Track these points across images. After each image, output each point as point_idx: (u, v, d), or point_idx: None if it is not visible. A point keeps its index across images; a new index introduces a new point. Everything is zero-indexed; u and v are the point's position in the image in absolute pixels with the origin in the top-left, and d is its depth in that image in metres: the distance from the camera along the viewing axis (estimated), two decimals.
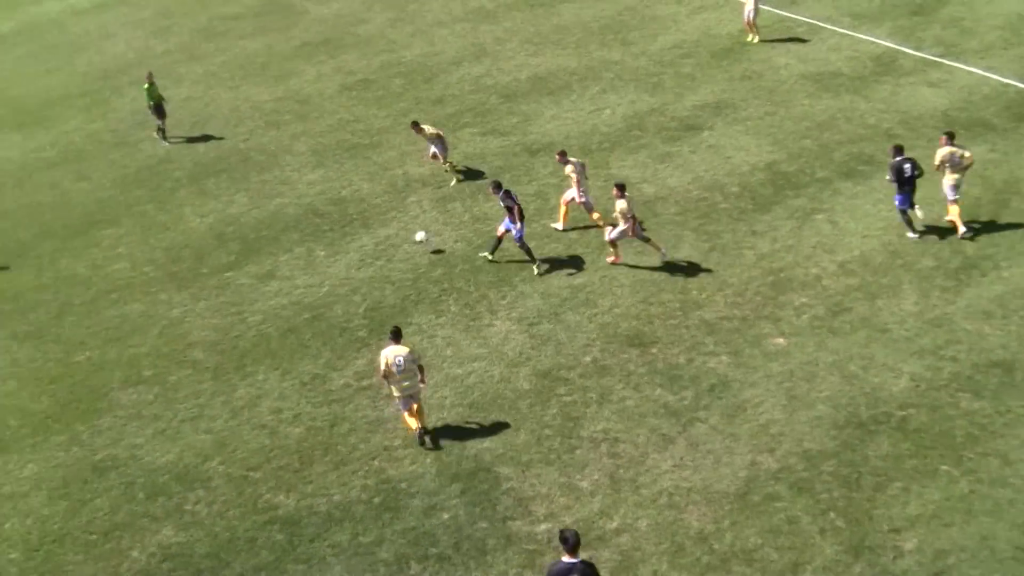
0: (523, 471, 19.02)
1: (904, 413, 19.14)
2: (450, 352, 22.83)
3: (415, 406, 20.32)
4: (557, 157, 26.93)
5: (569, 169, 26.55)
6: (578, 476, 18.71)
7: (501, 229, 25.73)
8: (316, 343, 23.82)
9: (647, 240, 25.11)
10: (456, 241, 27.08)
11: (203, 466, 20.43)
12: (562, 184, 27.79)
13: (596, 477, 18.63)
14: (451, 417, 20.78)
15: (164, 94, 36.60)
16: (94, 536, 19.09)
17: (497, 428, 20.27)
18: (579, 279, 24.82)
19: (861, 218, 25.86)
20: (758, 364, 21.01)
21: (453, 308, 24.40)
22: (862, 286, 23.16)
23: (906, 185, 24.29)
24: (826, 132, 30.56)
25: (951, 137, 24.47)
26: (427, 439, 20.22)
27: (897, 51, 35.31)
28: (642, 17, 42.28)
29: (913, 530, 16.66)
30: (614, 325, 22.93)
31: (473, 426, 20.43)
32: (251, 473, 20.03)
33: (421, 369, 20.22)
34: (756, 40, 37.62)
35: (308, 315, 24.89)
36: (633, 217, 24.69)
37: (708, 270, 24.59)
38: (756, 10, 37.51)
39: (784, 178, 28.30)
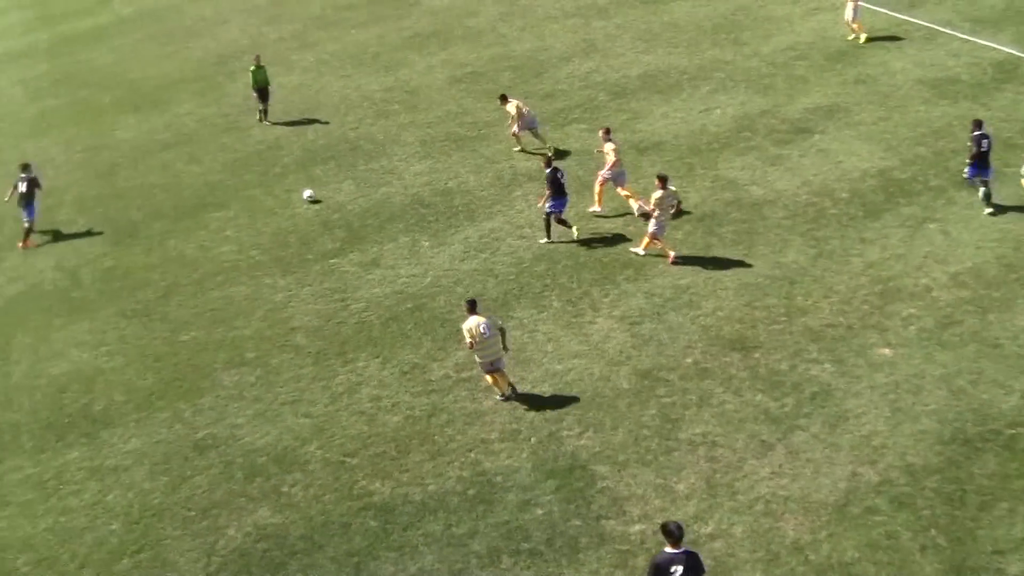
0: (619, 471, 18.87)
1: (1013, 431, 18.62)
2: (551, 348, 22.75)
3: (497, 375, 21.23)
4: (601, 132, 27.66)
5: (610, 148, 27.16)
6: (674, 478, 18.52)
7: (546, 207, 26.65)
8: (417, 333, 23.89)
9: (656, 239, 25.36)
10: (559, 237, 26.94)
11: (301, 449, 20.62)
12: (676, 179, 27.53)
13: (692, 480, 18.42)
14: (549, 413, 20.70)
15: (275, 80, 37.02)
16: (192, 512, 19.39)
17: (595, 426, 20.14)
18: (684, 279, 24.56)
19: (975, 229, 25.23)
20: (862, 374, 20.60)
21: (555, 304, 24.31)
22: (974, 299, 22.58)
23: (981, 160, 25.90)
24: (942, 140, 29.85)
25: None
26: (514, 395, 21.27)
27: (1020, 58, 34.38)
28: (756, 17, 41.73)
29: (1018, 552, 16.20)
30: (717, 328, 22.66)
31: (571, 423, 20.33)
32: (348, 459, 20.16)
33: (503, 333, 21.03)
34: (863, 39, 36.98)
35: (410, 305, 24.98)
36: (675, 206, 25.25)
37: (814, 276, 24.16)
38: (857, 7, 36.91)
39: (896, 185, 27.73)
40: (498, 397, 21.38)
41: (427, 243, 27.63)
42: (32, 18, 57.76)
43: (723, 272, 24.75)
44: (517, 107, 31.55)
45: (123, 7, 57.18)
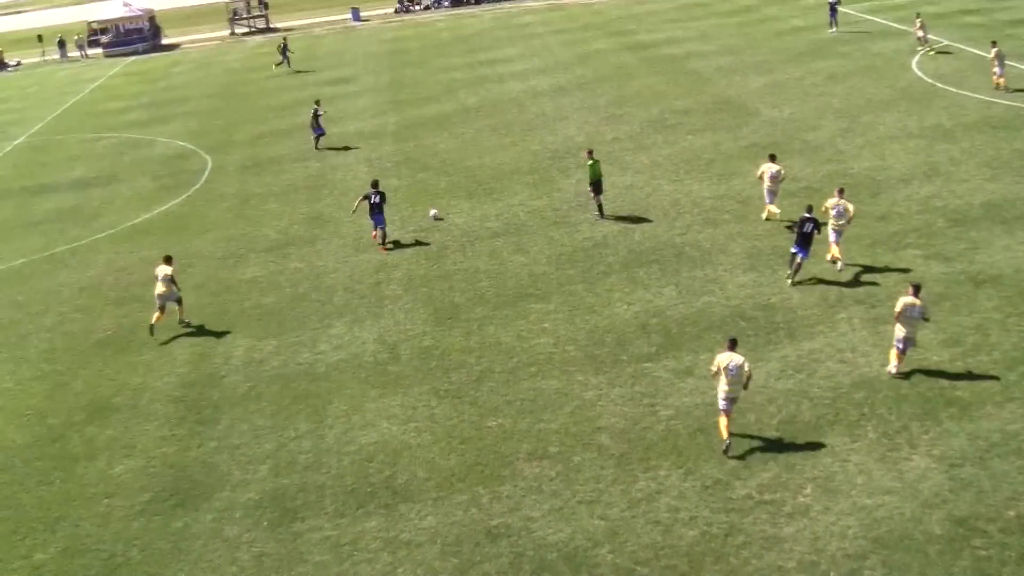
0: None
1: None
2: (861, 480, 21.53)
3: (731, 412, 23.22)
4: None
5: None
6: None
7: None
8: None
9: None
10: (883, 365, 25.66)
11: (592, 551, 20.19)
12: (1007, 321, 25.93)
13: None
14: (852, 549, 19.51)
15: (608, 180, 37.35)
16: None
17: (900, 569, 18.83)
18: (1014, 424, 22.84)
19: None
20: None
21: (871, 435, 23.07)
22: None
23: None
24: None
25: None
26: (730, 440, 22.90)
27: None
28: None
29: None
30: None
31: (875, 562, 19.06)
32: (639, 567, 19.59)
33: (749, 378, 23.04)
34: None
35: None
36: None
37: None
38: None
39: None
40: (725, 438, 22.84)
41: None
42: (384, 102, 60.81)
43: None
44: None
45: (468, 97, 59.47)
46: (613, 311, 30.31)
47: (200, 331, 31.93)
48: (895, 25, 67.14)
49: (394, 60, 75.58)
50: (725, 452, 22.84)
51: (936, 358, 25.92)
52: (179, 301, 32.11)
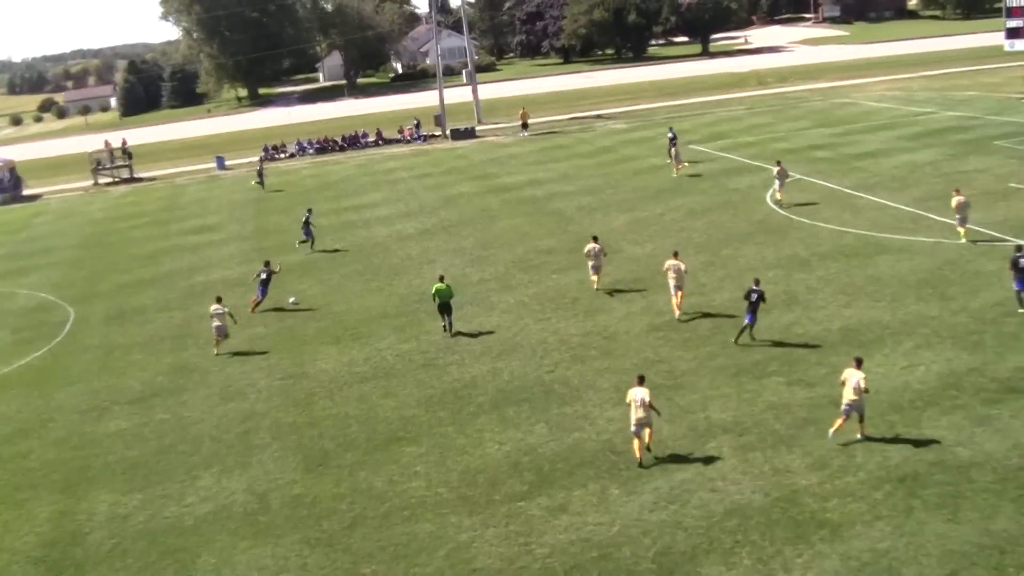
0: None
1: None
2: None
3: (646, 431, 28.30)
4: None
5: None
6: None
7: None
8: None
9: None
10: (753, 492, 26.00)
11: None
12: (870, 442, 26.43)
13: None
14: None
15: (475, 321, 37.52)
16: None
17: None
18: (883, 543, 23.23)
19: None
20: None
21: (746, 561, 23.21)
22: None
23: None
24: None
25: None
26: (648, 458, 28.12)
27: None
28: (963, 272, 41.00)
29: None
30: None
31: None
32: None
33: (652, 406, 28.34)
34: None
35: (595, 553, 24.21)
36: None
37: None
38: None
39: None
40: (638, 457, 28.07)
41: (616, 491, 26.96)
42: (249, 249, 60.59)
43: (925, 538, 23.35)
44: None
45: (335, 243, 59.60)
46: (484, 451, 30.22)
47: (62, 487, 30.93)
48: (749, 161, 69.51)
49: (259, 207, 75.57)
50: (640, 465, 27.88)
51: (804, 482, 26.32)
52: None
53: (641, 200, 62.00)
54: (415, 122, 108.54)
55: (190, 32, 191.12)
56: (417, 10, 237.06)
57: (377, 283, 49.72)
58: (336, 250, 57.88)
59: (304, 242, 58.64)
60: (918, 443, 27.71)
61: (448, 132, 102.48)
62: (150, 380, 39.27)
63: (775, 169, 57.42)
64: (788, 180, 57.76)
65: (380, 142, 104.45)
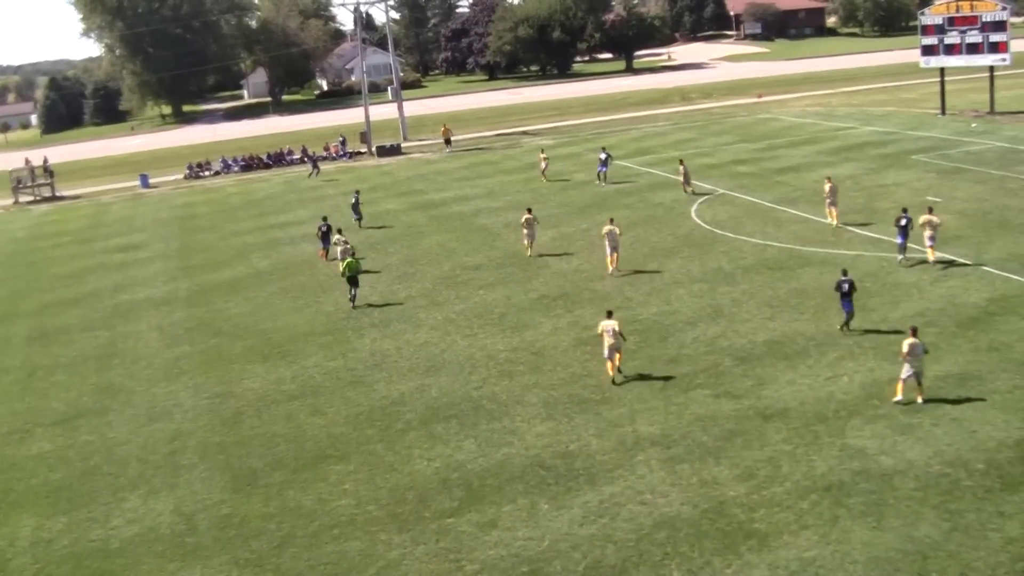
0: None
1: None
2: None
3: (617, 356, 34.53)
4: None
5: None
6: None
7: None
8: None
9: None
10: (682, 504, 26.27)
11: None
12: (796, 452, 26.81)
13: None
14: None
15: (402, 338, 37.52)
16: None
17: None
18: (810, 552, 23.58)
19: None
20: None
21: (675, 573, 23.42)
22: None
23: None
24: None
25: None
26: (619, 377, 34.52)
27: None
28: (884, 283, 41.77)
29: None
30: None
31: None
32: None
33: (622, 335, 34.77)
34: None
35: (526, 568, 24.29)
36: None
37: (949, 551, 23.08)
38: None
39: None
40: (611, 375, 34.52)
41: (546, 506, 27.08)
42: (174, 268, 60.00)
43: (851, 546, 23.74)
44: None
45: (260, 260, 59.23)
46: (413, 468, 30.20)
47: None
48: (673, 177, 70.07)
49: (184, 225, 74.89)
50: (613, 382, 34.29)
51: (732, 493, 26.62)
52: None
53: (567, 215, 62.31)
54: (341, 139, 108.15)
55: (112, 49, 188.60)
56: (342, 27, 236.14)
57: (304, 300, 49.49)
58: (263, 270, 57.49)
59: (359, 220, 65.28)
60: (843, 452, 28.18)
61: (374, 149, 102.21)
62: (74, 401, 38.75)
63: (680, 168, 65.87)
64: (716, 195, 58.32)
65: (306, 159, 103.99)
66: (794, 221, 55.11)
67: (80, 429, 35.89)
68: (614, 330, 34.25)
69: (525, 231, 53.38)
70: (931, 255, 44.57)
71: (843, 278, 36.92)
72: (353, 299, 46.95)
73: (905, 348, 30.71)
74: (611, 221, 48.49)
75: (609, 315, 35.12)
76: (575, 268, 49.47)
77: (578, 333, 39.84)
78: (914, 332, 31.16)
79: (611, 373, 34.54)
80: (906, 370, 30.72)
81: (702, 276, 45.85)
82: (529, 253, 52.79)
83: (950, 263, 44.19)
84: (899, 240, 45.01)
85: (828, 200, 53.50)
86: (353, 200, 66.15)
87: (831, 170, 66.56)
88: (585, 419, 32.13)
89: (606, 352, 34.46)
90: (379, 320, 43.84)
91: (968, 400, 30.67)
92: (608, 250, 47.90)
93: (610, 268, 47.81)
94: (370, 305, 46.82)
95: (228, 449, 33.03)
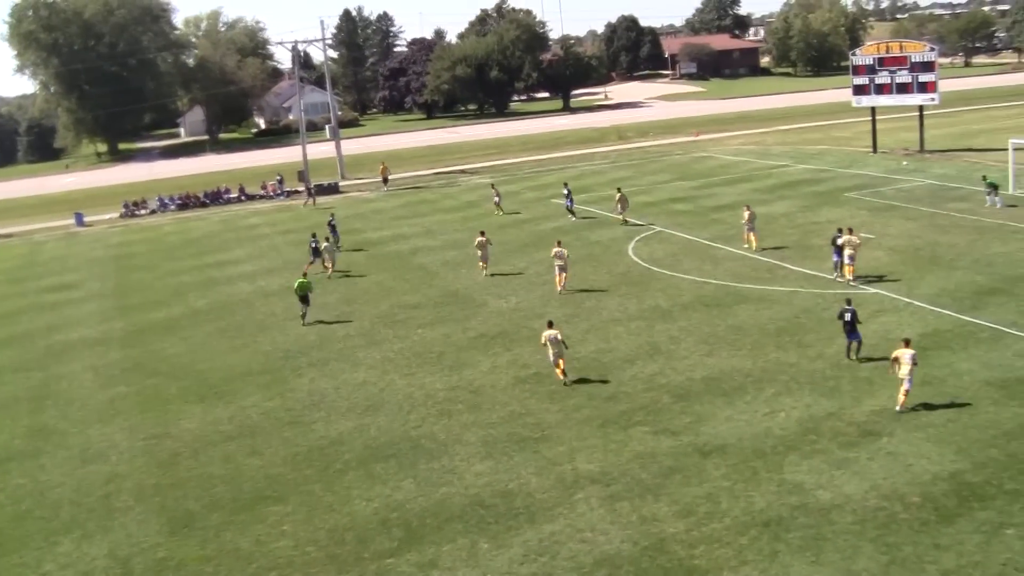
0: None
1: None
2: None
3: (561, 362, 38.02)
4: None
5: None
6: None
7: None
8: None
9: None
10: (622, 542, 26.31)
11: None
12: (735, 488, 26.98)
13: None
14: None
15: (340, 377, 37.41)
16: None
17: None
18: None
19: None
20: None
21: None
22: None
23: None
24: (1014, 442, 29.59)
25: None
26: (567, 379, 37.90)
27: None
28: (820, 319, 42.24)
29: None
30: None
31: None
32: None
33: (564, 343, 38.31)
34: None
35: None
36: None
37: None
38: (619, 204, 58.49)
39: (969, 489, 27.20)
40: (561, 378, 37.93)
41: (486, 545, 27.01)
42: (110, 308, 59.36)
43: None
44: None
45: (197, 300, 58.79)
46: (352, 508, 30.02)
47: None
48: (611, 215, 70.55)
49: (120, 264, 74.19)
50: (564, 384, 37.79)
51: (672, 529, 26.70)
52: None
53: (505, 254, 62.41)
54: (278, 178, 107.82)
55: (47, 86, 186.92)
56: (280, 65, 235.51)
57: (241, 340, 49.14)
58: (199, 309, 57.06)
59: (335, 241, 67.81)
60: (781, 488, 28.37)
61: (312, 187, 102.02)
62: (6, 443, 38.14)
63: (616, 196, 68.70)
64: (654, 231, 58.70)
65: (243, 198, 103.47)
66: (730, 258, 55.66)
67: (11, 472, 35.32)
68: (556, 338, 37.87)
69: (479, 252, 57.18)
70: (848, 272, 48.30)
71: (846, 307, 37.63)
72: (303, 316, 50.34)
73: (907, 360, 32.25)
74: (558, 243, 52.86)
75: (550, 325, 38.73)
76: (513, 307, 49.57)
77: (517, 372, 39.89)
78: (907, 343, 32.91)
79: (561, 376, 37.99)
80: (907, 382, 32.31)
81: (640, 314, 46.11)
82: (485, 273, 56.87)
83: (866, 280, 47.90)
84: (835, 258, 49.09)
85: (747, 227, 57.64)
86: (330, 222, 70.48)
87: (767, 208, 67.45)
88: (524, 457, 32.13)
89: (552, 359, 38.22)
90: (317, 359, 43.63)
91: (903, 434, 31.05)
92: (557, 270, 51.77)
93: (559, 288, 51.58)
94: (320, 321, 46.69)
95: (164, 491, 32.65)
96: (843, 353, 37.71)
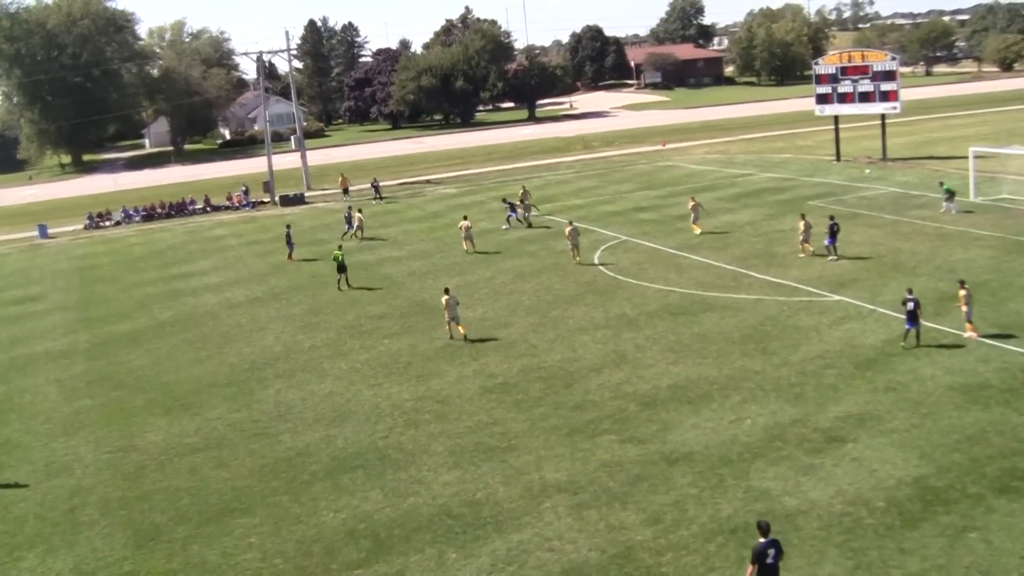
0: None
1: None
2: None
3: (457, 324, 44.76)
4: None
5: None
6: None
7: None
8: None
9: None
10: (590, 550, 26.37)
11: None
12: (702, 496, 27.12)
13: None
14: None
15: (307, 388, 37.39)
16: None
17: None
18: None
19: (1018, 537, 24.73)
20: None
21: None
22: None
23: None
24: (976, 446, 29.89)
25: None
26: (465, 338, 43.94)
27: None
28: (784, 327, 42.50)
29: None
30: None
31: None
32: None
33: (457, 302, 44.68)
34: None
35: None
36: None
37: None
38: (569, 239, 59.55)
39: (933, 493, 27.47)
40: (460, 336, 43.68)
41: (454, 555, 27.01)
42: (74, 320, 58.99)
43: None
44: None
45: (162, 312, 58.51)
46: (320, 520, 29.95)
47: None
48: (577, 224, 70.72)
49: (84, 277, 73.73)
50: (465, 338, 44.79)
51: (639, 537, 26.78)
52: None
53: (471, 264, 62.54)
54: (243, 188, 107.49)
55: (10, 97, 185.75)
56: (245, 76, 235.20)
57: (207, 352, 48.95)
58: (164, 321, 56.79)
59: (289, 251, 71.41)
60: (747, 494, 28.53)
61: (277, 198, 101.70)
62: None
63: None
64: (620, 240, 58.93)
65: (208, 209, 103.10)
66: (696, 267, 55.95)
67: None
68: (453, 301, 45.62)
69: (463, 235, 66.89)
70: (805, 249, 55.97)
71: (909, 296, 39.12)
72: (343, 282, 59.01)
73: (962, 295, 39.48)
74: (570, 223, 62.07)
75: (447, 291, 46.03)
76: (480, 316, 49.58)
77: (483, 381, 39.93)
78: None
79: (462, 332, 45.41)
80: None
81: (606, 323, 46.26)
82: (470, 250, 66.79)
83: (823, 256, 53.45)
84: (826, 242, 55.16)
85: (693, 216, 65.69)
86: (286, 233, 72.62)
87: (731, 216, 67.86)
88: (492, 467, 32.16)
89: (449, 320, 45.76)
90: (283, 370, 43.56)
91: (868, 440, 31.30)
92: (570, 247, 60.06)
93: (576, 259, 59.95)
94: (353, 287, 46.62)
95: (130, 504, 32.47)
96: (806, 360, 37.93)
